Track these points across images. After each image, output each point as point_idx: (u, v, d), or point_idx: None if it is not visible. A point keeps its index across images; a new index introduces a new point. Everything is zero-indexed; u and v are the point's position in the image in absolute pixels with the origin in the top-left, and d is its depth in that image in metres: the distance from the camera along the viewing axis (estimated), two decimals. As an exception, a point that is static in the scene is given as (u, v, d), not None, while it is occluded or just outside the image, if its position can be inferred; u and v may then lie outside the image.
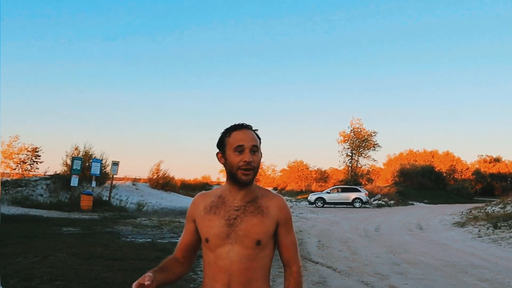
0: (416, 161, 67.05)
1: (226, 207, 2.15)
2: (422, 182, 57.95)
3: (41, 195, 24.18)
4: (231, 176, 2.15)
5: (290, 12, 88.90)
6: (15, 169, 31.41)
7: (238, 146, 2.11)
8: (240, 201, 2.16)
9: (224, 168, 2.22)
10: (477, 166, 76.22)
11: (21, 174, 30.86)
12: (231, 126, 2.19)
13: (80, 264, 8.55)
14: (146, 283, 1.92)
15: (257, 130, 2.22)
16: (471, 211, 25.93)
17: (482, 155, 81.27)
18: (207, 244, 2.14)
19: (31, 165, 32.20)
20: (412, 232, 18.18)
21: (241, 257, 2.08)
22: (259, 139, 2.21)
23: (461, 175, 69.43)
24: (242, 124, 2.20)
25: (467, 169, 71.33)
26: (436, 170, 64.36)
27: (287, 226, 2.20)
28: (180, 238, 2.34)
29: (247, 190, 2.17)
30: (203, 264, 2.21)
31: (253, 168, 2.12)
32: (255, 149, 2.14)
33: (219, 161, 2.21)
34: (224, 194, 2.20)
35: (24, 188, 24.69)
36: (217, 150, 2.22)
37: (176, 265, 2.28)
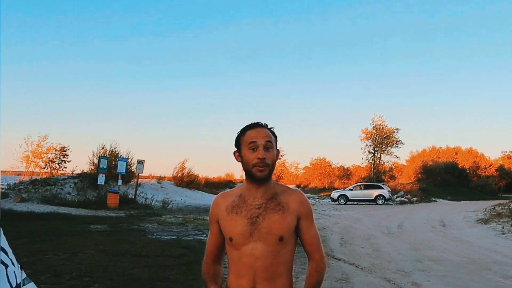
0: (439, 157, 66.17)
1: (248, 205, 2.20)
2: (445, 179, 57.19)
3: (69, 194, 24.58)
4: (248, 173, 2.20)
5: (311, 9, 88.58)
6: (44, 168, 31.93)
7: (251, 143, 2.16)
8: (261, 199, 2.20)
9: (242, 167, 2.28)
10: (501, 162, 74.84)
11: (50, 173, 31.36)
12: (246, 125, 2.25)
13: (108, 260, 8.70)
14: None
15: (272, 128, 2.27)
16: (494, 207, 25.59)
17: (506, 151, 79.85)
18: (231, 243, 2.20)
19: (60, 164, 32.70)
20: (435, 229, 18.05)
21: (265, 253, 2.13)
22: (275, 136, 2.25)
23: (484, 172, 68.30)
24: (257, 122, 2.24)
25: (490, 166, 70.13)
26: (459, 166, 63.42)
27: (308, 220, 2.25)
28: (208, 241, 2.39)
29: (266, 187, 2.21)
30: (227, 261, 2.28)
31: (268, 164, 2.16)
32: (269, 146, 2.18)
33: (236, 159, 2.26)
34: (244, 193, 2.25)
35: (53, 186, 25.10)
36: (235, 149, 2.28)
37: (219, 268, 2.37)
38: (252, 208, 2.19)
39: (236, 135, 2.27)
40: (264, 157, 2.14)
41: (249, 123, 2.26)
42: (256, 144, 2.16)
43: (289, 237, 2.19)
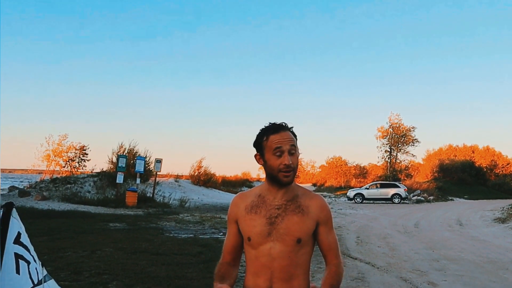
0: (455, 156, 65.52)
1: (267, 206, 2.20)
2: (462, 178, 56.62)
3: (89, 192, 24.86)
4: (271, 178, 2.20)
5: (327, 6, 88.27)
6: (64, 166, 32.31)
7: (276, 149, 2.14)
8: (281, 200, 2.20)
9: (262, 167, 2.28)
10: (518, 161, 73.88)
11: (70, 171, 31.72)
12: (268, 128, 2.21)
13: (126, 258, 8.81)
14: None
15: (292, 127, 2.24)
16: (512, 206, 25.37)
17: (524, 150, 78.69)
18: (249, 242, 2.21)
19: (79, 163, 33.11)
20: (451, 228, 17.94)
21: (282, 254, 2.14)
22: (295, 136, 2.23)
23: (502, 170, 67.34)
24: (279, 125, 2.21)
25: (508, 164, 69.16)
26: (476, 165, 62.73)
27: (327, 226, 2.25)
28: (225, 241, 2.38)
29: (286, 188, 2.21)
30: (245, 260, 2.28)
31: (293, 169, 2.15)
32: (293, 150, 2.16)
33: (258, 162, 2.25)
34: (263, 193, 2.25)
35: (73, 185, 25.40)
36: (255, 151, 2.26)
37: (232, 269, 2.32)
38: (272, 209, 2.19)
39: (257, 136, 2.24)
40: (290, 163, 2.14)
41: (270, 124, 2.23)
42: (281, 150, 2.15)
43: (307, 240, 2.20)
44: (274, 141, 2.16)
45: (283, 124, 2.22)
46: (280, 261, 2.15)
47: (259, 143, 2.23)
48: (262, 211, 2.20)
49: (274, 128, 2.19)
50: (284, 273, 2.15)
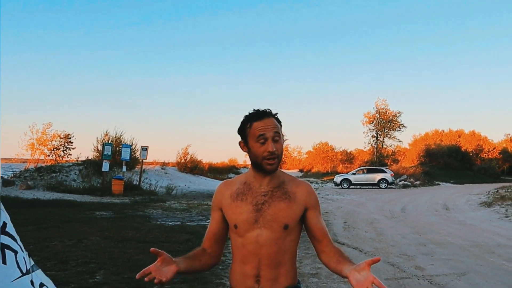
0: (442, 141, 66.06)
1: (253, 193, 2.18)
2: (448, 162, 57.17)
3: (74, 180, 24.75)
4: (256, 165, 2.17)
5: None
6: (49, 155, 32.13)
7: (260, 137, 2.11)
8: (267, 187, 2.18)
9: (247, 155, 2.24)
10: (504, 145, 74.60)
11: (55, 160, 31.56)
12: (251, 115, 2.17)
13: (113, 247, 8.77)
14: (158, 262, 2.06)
15: (277, 114, 2.20)
16: (498, 190, 25.64)
17: (509, 134, 79.59)
18: (235, 230, 2.18)
19: (64, 151, 32.98)
20: (438, 212, 18.10)
21: (269, 241, 2.12)
22: (280, 123, 2.20)
23: (487, 155, 68.12)
24: (263, 111, 2.17)
25: (493, 149, 69.90)
26: (462, 149, 63.29)
27: (316, 210, 2.23)
28: (207, 228, 2.35)
29: (272, 175, 2.18)
30: (231, 248, 2.26)
31: (277, 156, 2.12)
32: (277, 137, 2.13)
33: (242, 149, 2.21)
34: (249, 181, 2.23)
35: (58, 173, 25.26)
36: (239, 138, 2.23)
37: (203, 254, 2.29)
38: (258, 195, 2.17)
39: (240, 123, 2.21)
40: (274, 150, 2.10)
41: (253, 110, 2.18)
42: (265, 137, 2.11)
43: (294, 226, 2.18)
44: (257, 128, 2.12)
45: (267, 110, 2.18)
46: (267, 248, 2.13)
47: (243, 130, 2.20)
48: (248, 198, 2.18)
49: (258, 115, 2.16)
50: (271, 260, 2.14)
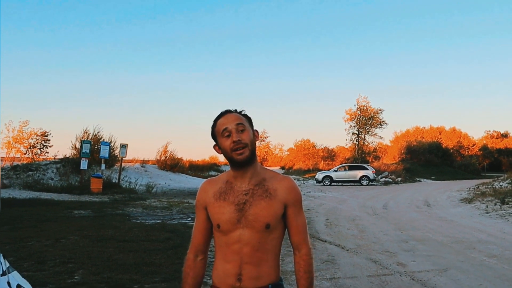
0: (423, 137, 66.73)
1: (235, 192, 2.19)
2: (429, 159, 57.81)
3: (52, 179, 24.38)
4: (230, 161, 2.19)
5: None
6: (25, 153, 31.69)
7: (224, 131, 2.16)
8: (248, 185, 2.19)
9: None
10: (484, 141, 75.73)
11: (31, 158, 31.10)
12: (216, 116, 2.24)
13: (92, 246, 8.65)
14: None
15: (243, 111, 2.26)
16: (478, 187, 25.88)
17: (489, 131, 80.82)
18: (218, 229, 2.20)
19: (41, 149, 32.51)
20: (419, 209, 18.21)
21: (251, 240, 2.14)
22: (248, 118, 2.25)
23: (468, 151, 69.03)
24: (225, 110, 2.24)
25: (474, 145, 70.88)
26: (443, 146, 64.09)
27: (296, 208, 2.23)
28: (194, 229, 2.36)
29: (252, 172, 2.20)
30: (215, 245, 2.27)
31: (245, 144, 2.14)
32: (242, 128, 2.16)
33: (217, 152, 2.25)
34: (231, 180, 2.24)
35: (35, 172, 24.84)
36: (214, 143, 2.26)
37: (200, 267, 2.33)
38: (240, 195, 2.18)
39: (211, 128, 2.26)
40: (239, 139, 2.13)
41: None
42: (228, 130, 2.15)
43: (276, 224, 2.18)
44: (220, 123, 2.19)
45: (231, 109, 2.25)
46: (249, 247, 2.15)
47: (212, 133, 2.25)
48: (230, 197, 2.19)
49: (220, 114, 2.24)
50: (253, 258, 2.16)
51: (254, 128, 2.26)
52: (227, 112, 2.22)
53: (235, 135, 2.13)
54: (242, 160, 2.14)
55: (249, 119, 2.25)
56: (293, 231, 2.24)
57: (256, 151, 2.23)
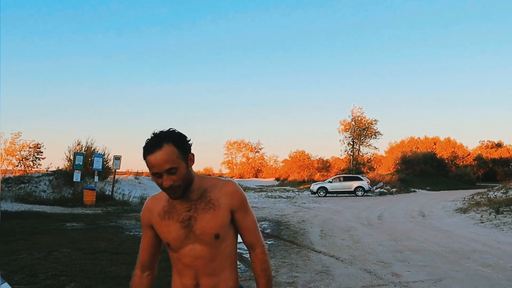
0: (417, 148, 67.00)
1: (177, 210, 2.15)
2: (424, 169, 57.95)
3: (44, 191, 24.22)
4: None
5: (289, 2, 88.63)
6: (17, 165, 31.58)
7: (153, 174, 2.03)
8: (189, 201, 2.14)
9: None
10: (478, 151, 76.14)
11: (24, 170, 30.98)
12: (144, 147, 2.04)
13: (85, 258, 8.57)
14: None
15: (173, 134, 2.07)
16: (473, 197, 25.94)
17: (484, 141, 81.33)
18: (169, 247, 2.19)
19: (34, 161, 32.41)
20: (414, 219, 18.20)
21: (203, 253, 2.13)
22: (179, 141, 2.05)
23: (463, 161, 69.35)
24: (150, 144, 2.01)
25: (468, 155, 71.21)
26: (438, 156, 64.30)
27: (242, 210, 2.20)
28: (140, 247, 2.33)
29: (191, 190, 2.14)
30: (170, 260, 2.25)
31: (178, 186, 2.04)
32: (173, 170, 2.01)
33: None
34: None
35: (27, 184, 24.70)
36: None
37: (149, 282, 2.33)
38: (182, 212, 2.15)
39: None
40: (170, 185, 2.02)
41: (147, 140, 2.04)
42: (158, 174, 2.02)
43: (225, 232, 2.17)
44: (149, 164, 2.02)
45: (158, 138, 2.02)
46: (202, 260, 2.15)
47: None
48: (174, 216, 2.16)
49: (147, 149, 2.02)
50: (209, 269, 2.16)
51: (190, 152, 2.11)
52: (156, 146, 1.99)
53: (166, 181, 2.01)
54: (176, 199, 2.09)
55: (180, 142, 2.06)
56: (244, 233, 2.23)
57: (191, 177, 2.12)
